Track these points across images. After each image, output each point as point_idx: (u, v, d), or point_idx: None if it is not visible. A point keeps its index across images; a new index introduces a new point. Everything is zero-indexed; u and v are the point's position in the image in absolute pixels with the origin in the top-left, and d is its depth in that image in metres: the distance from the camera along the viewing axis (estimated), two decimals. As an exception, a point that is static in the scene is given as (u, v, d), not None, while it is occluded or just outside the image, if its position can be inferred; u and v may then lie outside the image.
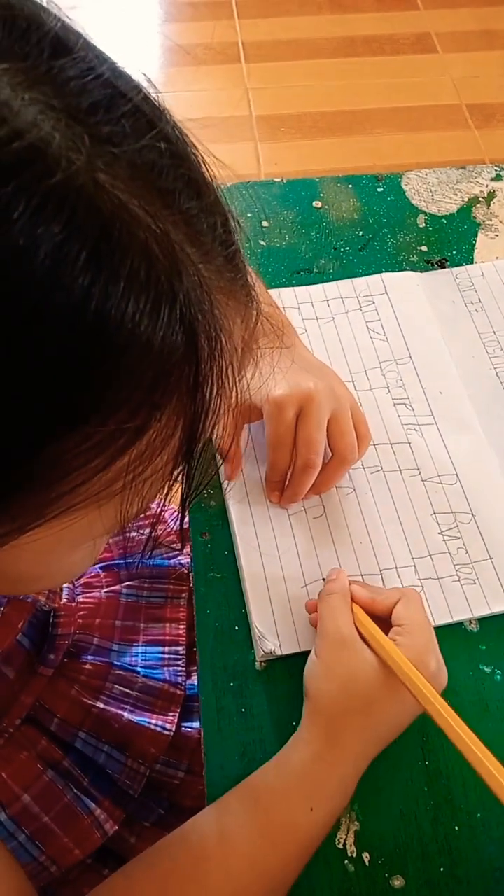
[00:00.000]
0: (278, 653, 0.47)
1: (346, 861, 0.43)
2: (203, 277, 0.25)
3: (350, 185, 0.72)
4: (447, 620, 0.49)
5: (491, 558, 0.51)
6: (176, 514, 0.69)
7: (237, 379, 0.28)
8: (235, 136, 1.90)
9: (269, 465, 0.52)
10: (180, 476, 0.29)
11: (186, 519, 0.66)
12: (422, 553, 0.51)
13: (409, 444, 0.56)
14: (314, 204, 0.71)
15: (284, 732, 0.45)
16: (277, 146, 1.88)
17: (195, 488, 0.30)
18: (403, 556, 0.51)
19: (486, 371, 0.60)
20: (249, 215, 0.69)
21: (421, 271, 0.66)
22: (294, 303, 0.63)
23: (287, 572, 0.51)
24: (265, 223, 0.69)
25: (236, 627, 0.50)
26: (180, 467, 0.28)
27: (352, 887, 0.42)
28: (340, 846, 0.43)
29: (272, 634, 0.48)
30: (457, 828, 0.43)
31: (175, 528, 0.67)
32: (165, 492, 0.29)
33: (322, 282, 0.65)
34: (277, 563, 0.51)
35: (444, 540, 0.52)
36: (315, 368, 0.55)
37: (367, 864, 0.43)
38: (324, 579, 0.50)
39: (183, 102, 2.00)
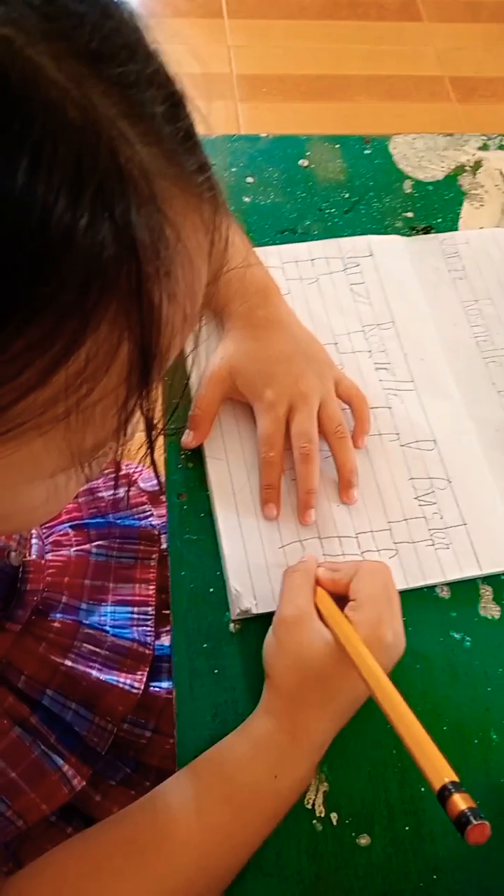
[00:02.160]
0: (254, 611, 0.47)
1: (314, 821, 0.43)
2: (141, 160, 0.22)
3: (337, 146, 0.70)
4: (420, 583, 0.49)
5: (465, 524, 0.51)
6: (148, 476, 0.69)
7: (194, 288, 0.25)
8: (215, 94, 1.84)
9: (262, 465, 0.52)
10: (140, 412, 0.26)
11: (161, 469, 0.65)
12: (397, 517, 0.51)
13: (390, 408, 0.56)
14: (300, 162, 0.69)
15: (257, 692, 0.44)
16: (258, 107, 1.83)
17: (158, 425, 0.27)
18: (379, 519, 0.51)
19: (467, 339, 0.60)
20: (234, 170, 0.67)
21: (406, 237, 0.65)
22: (278, 262, 0.61)
23: (264, 534, 0.50)
24: (249, 179, 0.67)
25: (211, 590, 0.49)
26: (134, 399, 0.25)
27: (319, 846, 0.42)
28: (309, 806, 0.43)
29: (249, 593, 0.48)
30: (423, 789, 0.44)
31: (145, 485, 0.66)
32: (123, 427, 0.26)
33: (306, 242, 0.64)
34: (255, 524, 0.50)
35: (419, 505, 0.52)
36: (302, 344, 0.54)
37: (334, 823, 0.43)
38: (301, 541, 0.50)
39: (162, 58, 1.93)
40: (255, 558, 0.49)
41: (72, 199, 0.20)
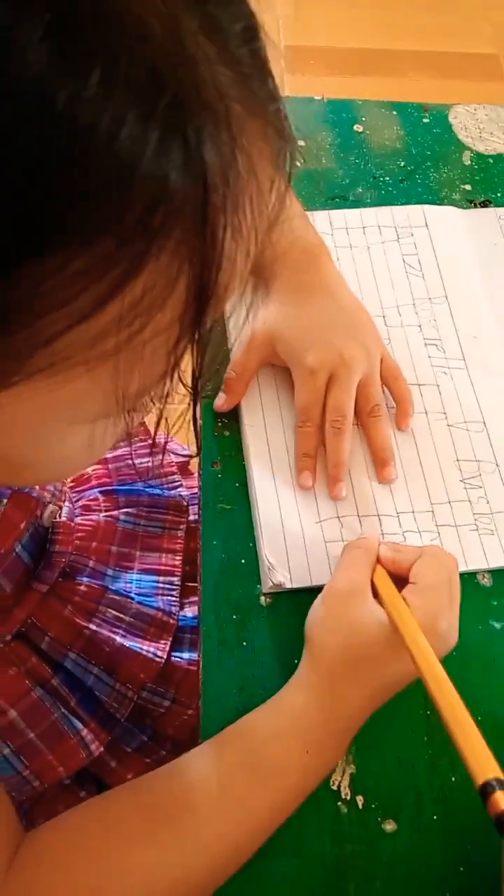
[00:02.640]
0: (288, 585, 0.46)
1: (339, 803, 0.42)
2: (218, 80, 0.20)
3: (394, 112, 0.68)
4: (462, 569, 0.47)
5: None
6: (178, 446, 0.67)
7: (259, 224, 0.23)
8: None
9: (297, 435, 0.50)
10: (190, 355, 0.24)
11: (198, 431, 0.63)
12: (441, 499, 0.49)
13: (438, 386, 0.53)
14: (355, 128, 0.66)
15: (286, 668, 0.43)
16: (304, 80, 1.79)
17: (205, 371, 0.26)
18: (422, 500, 0.49)
19: None
20: (286, 132, 0.65)
21: (463, 209, 0.62)
22: (328, 228, 0.59)
23: (302, 507, 0.48)
24: (301, 142, 0.65)
25: (243, 561, 0.48)
26: (185, 341, 0.23)
27: (342, 829, 0.41)
28: (335, 788, 0.42)
29: (283, 566, 0.46)
30: (454, 779, 0.42)
31: (175, 455, 0.65)
32: (171, 372, 0.25)
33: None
34: (292, 496, 0.49)
35: (465, 488, 0.50)
36: (348, 312, 0.52)
37: (360, 807, 0.42)
38: (339, 518, 0.48)
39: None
40: (291, 531, 0.47)
41: (144, 112, 0.19)
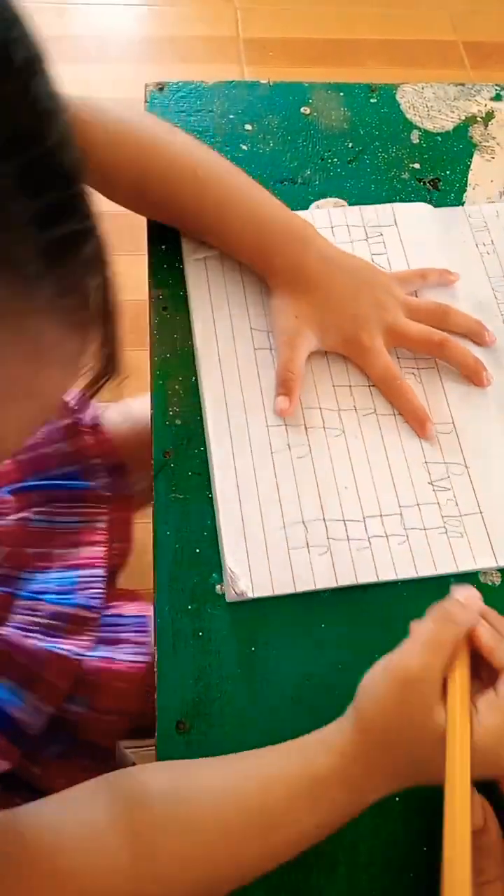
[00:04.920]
0: (250, 595, 0.44)
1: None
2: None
3: (341, 94, 0.67)
4: (430, 572, 0.46)
5: (481, 512, 0.48)
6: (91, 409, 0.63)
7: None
8: (220, 58, 1.80)
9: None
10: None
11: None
12: (409, 502, 0.48)
13: None
14: (302, 110, 0.65)
15: (243, 657, 0.43)
16: (264, 72, 1.78)
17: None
18: (390, 503, 0.48)
19: (493, 317, 0.56)
20: (231, 117, 0.64)
21: (413, 190, 0.62)
22: None
23: (265, 512, 0.47)
24: (248, 126, 0.64)
25: (197, 550, 0.47)
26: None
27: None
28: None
29: (245, 575, 0.45)
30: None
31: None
32: None
33: (307, 193, 0.60)
34: (255, 501, 0.47)
35: (433, 490, 0.49)
36: (356, 273, 0.52)
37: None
38: (303, 523, 0.47)
39: (165, 18, 1.88)
40: (253, 537, 0.46)
41: None
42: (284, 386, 0.50)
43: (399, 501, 0.48)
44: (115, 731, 0.53)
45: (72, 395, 0.62)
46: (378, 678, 0.37)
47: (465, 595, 0.39)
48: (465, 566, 0.47)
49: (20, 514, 0.54)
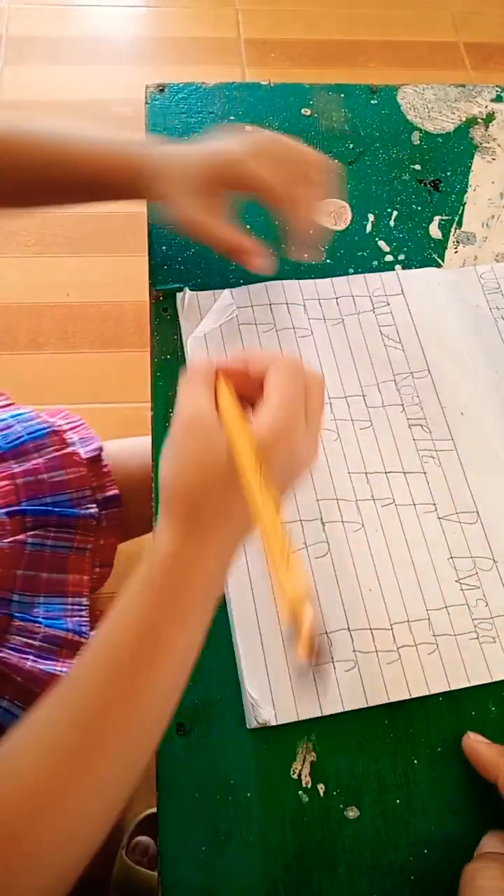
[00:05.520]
0: (273, 723, 0.42)
1: (299, 792, 0.41)
2: None
3: (342, 95, 0.67)
4: (463, 685, 0.43)
5: None
6: (88, 437, 0.64)
7: None
8: (221, 60, 1.80)
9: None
10: None
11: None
12: (437, 604, 0.45)
13: (425, 473, 0.49)
14: (302, 111, 0.65)
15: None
16: (266, 73, 1.78)
17: None
18: (417, 607, 0.45)
19: None
20: (232, 118, 0.64)
21: (413, 191, 0.62)
22: (299, 299, 0.55)
23: (285, 625, 0.44)
24: (249, 128, 0.64)
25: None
26: None
27: (304, 817, 0.40)
28: (295, 777, 0.41)
29: (267, 702, 0.42)
30: (415, 761, 0.42)
31: (85, 450, 0.63)
32: None
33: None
34: (273, 612, 0.44)
35: (461, 589, 0.45)
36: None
37: (321, 795, 0.41)
38: (326, 633, 0.44)
39: (166, 19, 1.88)
40: (274, 657, 0.43)
41: None
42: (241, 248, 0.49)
43: (426, 604, 0.45)
44: None
45: (73, 429, 0.64)
46: (167, 448, 0.36)
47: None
48: (500, 675, 0.44)
49: (15, 537, 0.54)
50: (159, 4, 1.91)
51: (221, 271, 0.56)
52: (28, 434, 0.62)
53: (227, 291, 0.55)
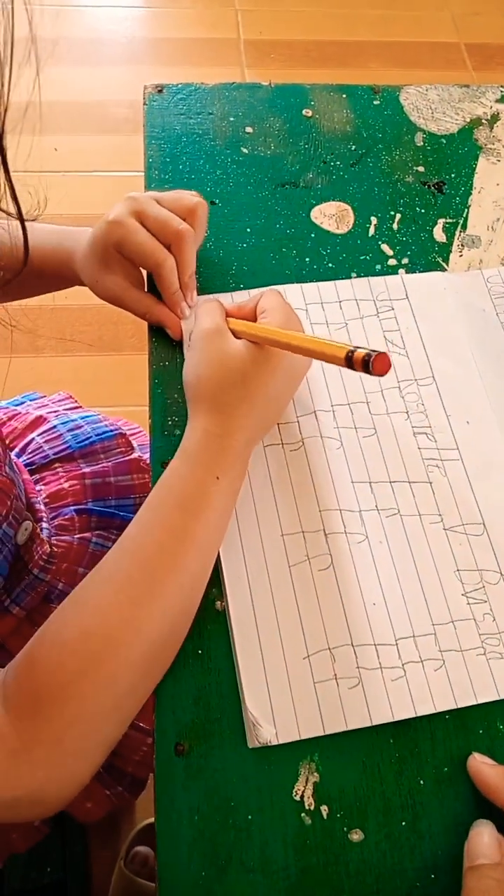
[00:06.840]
0: (274, 742, 0.40)
1: (302, 814, 0.40)
2: None
3: (344, 95, 0.66)
4: (471, 702, 0.42)
5: None
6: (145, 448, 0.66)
7: None
8: (221, 60, 1.79)
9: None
10: None
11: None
12: (443, 619, 0.44)
13: (430, 483, 0.48)
14: (304, 112, 0.64)
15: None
16: (265, 74, 1.77)
17: None
18: (422, 622, 0.43)
19: None
20: (232, 119, 0.63)
21: (417, 193, 0.61)
22: (301, 303, 0.53)
23: (287, 640, 0.42)
24: (249, 129, 0.63)
25: (196, 564, 0.45)
26: None
27: (307, 840, 0.39)
28: (298, 798, 0.40)
29: (268, 720, 0.41)
30: (422, 782, 0.41)
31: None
32: None
33: (309, 197, 0.59)
34: (275, 626, 0.43)
35: (468, 603, 0.44)
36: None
37: (325, 817, 0.40)
38: (329, 650, 0.42)
39: (165, 19, 1.87)
40: (275, 675, 0.42)
41: None
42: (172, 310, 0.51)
43: (432, 619, 0.44)
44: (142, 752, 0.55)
45: (133, 436, 0.68)
46: (190, 355, 0.46)
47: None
48: None
49: (82, 535, 0.55)
50: (158, 5, 1.90)
51: (222, 275, 0.55)
52: (97, 435, 0.65)
53: (227, 296, 0.53)
